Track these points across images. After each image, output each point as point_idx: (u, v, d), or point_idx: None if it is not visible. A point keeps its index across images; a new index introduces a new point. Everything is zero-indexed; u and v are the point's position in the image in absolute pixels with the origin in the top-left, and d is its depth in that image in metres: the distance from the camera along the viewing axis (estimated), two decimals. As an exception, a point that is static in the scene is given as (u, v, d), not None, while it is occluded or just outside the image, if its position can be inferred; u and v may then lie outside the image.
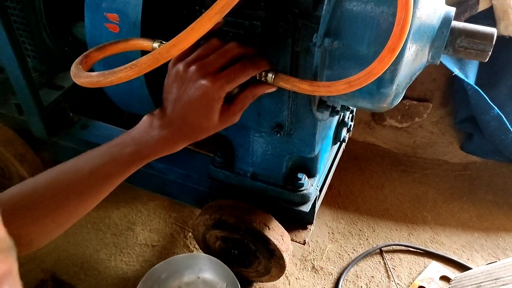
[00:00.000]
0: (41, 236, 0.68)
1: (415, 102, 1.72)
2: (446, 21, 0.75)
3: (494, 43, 0.75)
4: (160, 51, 0.62)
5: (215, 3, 0.63)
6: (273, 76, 0.73)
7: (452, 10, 0.77)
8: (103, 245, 1.44)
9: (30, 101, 1.24)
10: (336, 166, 1.36)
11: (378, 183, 1.65)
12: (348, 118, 1.21)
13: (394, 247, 1.45)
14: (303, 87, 0.71)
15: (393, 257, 1.42)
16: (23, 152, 1.40)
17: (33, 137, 1.36)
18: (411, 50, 0.73)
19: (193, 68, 0.70)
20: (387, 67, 0.66)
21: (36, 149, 1.42)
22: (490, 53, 0.76)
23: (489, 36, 0.75)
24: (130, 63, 0.62)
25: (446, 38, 0.76)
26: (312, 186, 1.13)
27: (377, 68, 0.66)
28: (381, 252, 1.43)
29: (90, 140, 1.32)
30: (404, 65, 0.73)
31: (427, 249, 1.43)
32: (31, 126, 1.32)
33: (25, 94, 1.22)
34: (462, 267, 1.38)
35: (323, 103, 0.85)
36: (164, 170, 1.26)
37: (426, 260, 1.41)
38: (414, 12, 0.68)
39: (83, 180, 0.69)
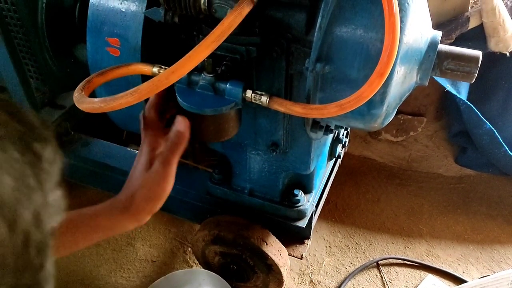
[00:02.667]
0: None
1: (410, 117, 1.75)
2: (432, 45, 0.79)
3: (479, 65, 0.79)
4: (160, 78, 0.65)
5: (211, 32, 0.66)
6: (267, 100, 0.76)
7: (439, 34, 0.80)
8: (103, 261, 1.46)
9: (32, 121, 1.27)
10: (333, 180, 1.39)
11: (374, 197, 1.68)
12: (343, 135, 1.24)
13: (390, 260, 1.47)
14: (296, 110, 0.74)
15: (389, 270, 1.44)
16: (25, 169, 1.42)
17: (35, 155, 1.39)
18: (399, 73, 0.76)
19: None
20: (376, 91, 0.69)
21: (37, 167, 1.44)
22: (476, 74, 0.80)
23: (474, 59, 0.79)
24: (131, 90, 0.65)
25: (433, 61, 0.79)
26: (308, 202, 1.16)
27: (367, 92, 0.69)
28: (377, 266, 1.45)
29: (90, 157, 1.35)
30: (393, 88, 0.77)
31: (423, 262, 1.45)
32: (33, 144, 1.35)
33: (28, 113, 1.25)
34: (458, 280, 1.40)
35: (316, 124, 0.88)
36: (163, 186, 1.28)
37: (422, 273, 1.43)
38: (401, 38, 0.72)
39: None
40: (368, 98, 0.70)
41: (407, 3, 0.72)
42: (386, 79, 0.70)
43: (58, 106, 1.37)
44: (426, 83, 0.82)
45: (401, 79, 0.78)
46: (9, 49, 1.12)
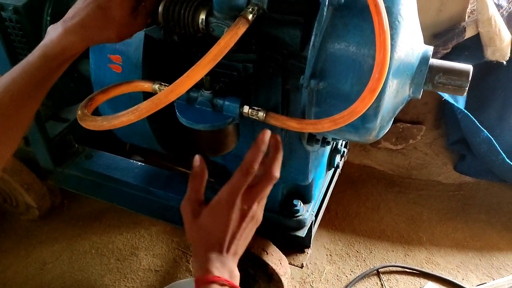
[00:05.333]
0: None
1: (409, 125, 1.77)
2: (424, 59, 0.81)
3: (470, 79, 0.81)
4: (159, 97, 0.67)
5: (208, 52, 0.69)
6: (264, 115, 0.78)
7: (430, 49, 0.83)
8: (107, 271, 1.48)
9: (37, 134, 1.30)
10: (333, 189, 1.41)
11: (374, 205, 1.69)
12: (341, 145, 1.27)
13: (390, 268, 1.48)
14: (292, 125, 0.76)
15: (389, 278, 1.46)
16: (30, 181, 1.46)
17: (40, 166, 1.42)
18: (392, 87, 0.78)
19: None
20: (368, 106, 0.72)
21: (42, 178, 1.47)
22: (467, 88, 0.82)
23: (465, 73, 0.81)
24: (132, 108, 0.68)
25: (425, 75, 0.81)
26: (307, 212, 1.18)
27: (360, 107, 0.71)
28: (378, 273, 1.47)
29: (93, 169, 1.38)
30: (386, 102, 0.79)
31: (423, 269, 1.47)
32: (38, 157, 1.38)
33: (32, 127, 1.28)
34: (457, 287, 1.41)
35: (312, 137, 0.90)
36: (164, 196, 1.31)
37: (422, 280, 1.45)
38: (392, 55, 0.74)
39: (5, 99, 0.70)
40: (361, 113, 0.72)
41: (398, 21, 0.74)
42: (379, 93, 0.72)
43: (62, 119, 1.40)
44: (419, 96, 0.85)
45: (394, 93, 0.80)
46: (13, 65, 1.15)
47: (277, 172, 0.73)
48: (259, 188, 0.72)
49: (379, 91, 0.70)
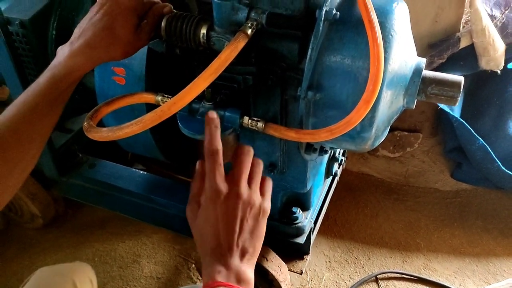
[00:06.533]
0: None
1: (406, 133, 1.80)
2: (417, 71, 0.84)
3: (461, 89, 0.84)
4: (162, 109, 0.70)
5: (209, 66, 0.72)
6: (263, 125, 0.81)
7: (423, 61, 0.86)
8: (110, 278, 1.50)
9: (41, 144, 1.33)
10: (332, 196, 1.43)
11: (372, 212, 1.72)
12: (339, 153, 1.30)
13: (388, 274, 1.50)
14: (290, 135, 0.79)
15: (388, 284, 1.48)
16: (35, 191, 1.48)
17: (45, 176, 1.45)
18: (386, 99, 0.81)
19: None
20: (363, 116, 0.75)
21: (47, 187, 1.50)
22: (459, 99, 0.85)
23: (457, 84, 0.84)
24: (136, 120, 0.71)
25: (418, 86, 0.85)
26: (306, 219, 1.20)
27: (355, 118, 0.74)
28: (376, 280, 1.49)
29: (97, 178, 1.41)
30: (381, 112, 0.82)
31: (421, 275, 1.49)
32: (43, 167, 1.41)
33: (37, 137, 1.31)
34: (455, 293, 1.44)
35: (310, 146, 0.93)
36: (166, 204, 1.34)
37: (420, 286, 1.47)
38: (386, 67, 0.77)
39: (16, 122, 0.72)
40: (356, 124, 0.75)
41: (391, 35, 0.78)
42: (374, 104, 0.75)
43: (67, 129, 1.43)
44: (413, 107, 0.88)
45: (388, 104, 0.83)
46: (20, 78, 1.18)
47: (243, 146, 0.68)
48: (237, 164, 0.66)
49: (373, 102, 0.73)
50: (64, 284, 0.95)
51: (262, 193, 0.69)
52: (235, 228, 0.64)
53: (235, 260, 0.64)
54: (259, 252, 0.68)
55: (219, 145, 0.65)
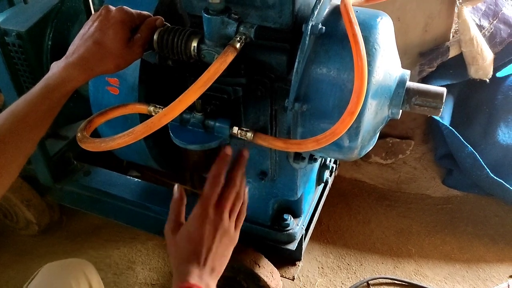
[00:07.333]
0: None
1: (398, 140, 1.83)
2: (401, 82, 0.87)
3: (444, 100, 0.87)
4: (153, 121, 0.72)
5: (199, 78, 0.74)
6: (252, 135, 0.84)
7: (407, 73, 0.89)
8: (104, 285, 1.50)
9: (37, 151, 1.35)
10: (325, 202, 1.46)
11: (364, 218, 1.74)
12: (330, 161, 1.32)
13: (380, 280, 1.52)
14: (277, 144, 0.82)
15: (379, 289, 1.50)
16: (30, 197, 1.50)
17: (39, 183, 1.47)
18: (371, 109, 0.84)
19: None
20: (348, 127, 0.77)
21: (41, 194, 1.52)
22: (442, 109, 0.88)
23: (439, 95, 0.87)
24: (128, 131, 0.73)
25: (402, 97, 0.87)
26: (297, 226, 1.22)
27: (340, 128, 0.76)
28: (368, 286, 1.51)
29: (92, 185, 1.43)
30: (366, 122, 0.84)
31: (412, 281, 1.51)
32: (38, 174, 1.43)
33: (33, 145, 1.33)
34: (445, 298, 1.46)
35: (298, 155, 0.95)
36: (160, 212, 1.35)
37: (411, 292, 1.49)
38: (370, 79, 0.80)
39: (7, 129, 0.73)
40: (342, 134, 0.77)
41: (375, 48, 0.80)
42: (358, 115, 0.77)
43: (62, 137, 1.45)
44: (398, 117, 0.90)
45: (373, 114, 0.86)
46: (16, 86, 1.20)
47: (238, 181, 0.81)
48: (225, 195, 0.79)
49: (357, 113, 0.76)
50: (76, 273, 1.05)
51: (236, 225, 0.82)
52: (212, 247, 0.76)
53: (207, 272, 0.75)
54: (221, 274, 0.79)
55: (224, 178, 0.79)
